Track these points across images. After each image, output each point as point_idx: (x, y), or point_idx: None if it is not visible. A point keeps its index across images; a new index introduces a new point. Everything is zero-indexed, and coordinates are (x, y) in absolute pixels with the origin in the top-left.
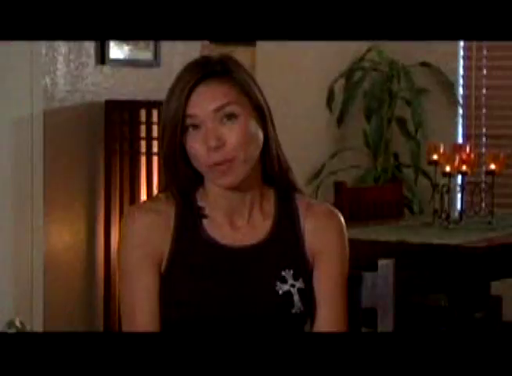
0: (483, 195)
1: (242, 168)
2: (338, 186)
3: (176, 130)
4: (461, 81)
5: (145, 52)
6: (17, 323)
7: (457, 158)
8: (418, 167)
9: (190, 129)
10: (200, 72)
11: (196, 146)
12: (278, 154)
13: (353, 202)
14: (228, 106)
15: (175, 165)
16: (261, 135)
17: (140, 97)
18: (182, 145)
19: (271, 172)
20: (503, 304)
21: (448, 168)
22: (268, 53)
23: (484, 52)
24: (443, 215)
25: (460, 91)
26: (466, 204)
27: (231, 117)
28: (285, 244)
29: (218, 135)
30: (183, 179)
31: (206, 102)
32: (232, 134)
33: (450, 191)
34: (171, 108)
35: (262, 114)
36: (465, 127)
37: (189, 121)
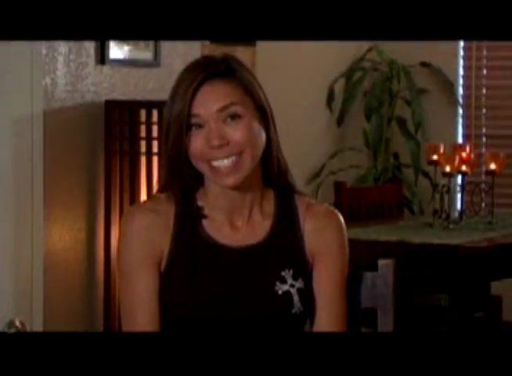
0: (483, 195)
1: (247, 164)
2: (338, 186)
3: (181, 129)
4: (461, 81)
5: (145, 52)
6: (17, 323)
7: (457, 158)
8: (418, 167)
9: (193, 129)
10: (203, 72)
11: (199, 146)
12: (278, 156)
13: (353, 202)
14: (232, 107)
15: (178, 165)
16: (263, 135)
17: (140, 97)
18: (185, 144)
19: (270, 174)
20: (503, 304)
21: (448, 168)
22: (268, 53)
23: (484, 52)
24: (443, 215)
25: (460, 91)
26: (466, 204)
27: (235, 117)
28: (285, 244)
29: (222, 135)
30: (186, 179)
31: (210, 102)
32: (235, 133)
33: (450, 191)
34: (175, 108)
35: (265, 115)
36: (465, 127)
37: (192, 121)
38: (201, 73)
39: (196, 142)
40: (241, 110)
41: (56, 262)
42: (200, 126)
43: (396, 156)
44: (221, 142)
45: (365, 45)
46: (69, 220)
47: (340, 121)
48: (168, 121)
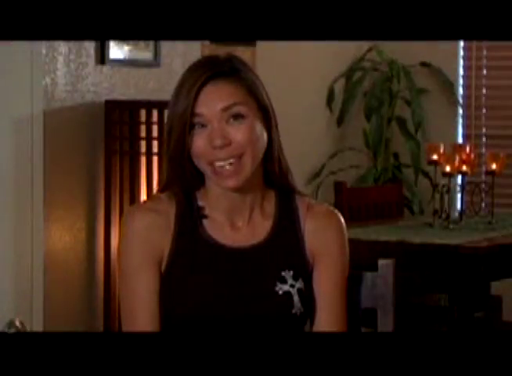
0: (483, 195)
1: (248, 167)
2: (338, 186)
3: (184, 128)
4: (461, 81)
5: (145, 52)
6: (17, 323)
7: (457, 158)
8: (418, 167)
9: (196, 128)
10: (207, 71)
11: (201, 145)
12: (279, 157)
13: (353, 202)
14: (235, 107)
15: (180, 164)
16: (265, 136)
17: (140, 97)
18: (188, 143)
19: (271, 175)
20: (503, 304)
21: (448, 168)
22: (268, 53)
23: (484, 52)
24: (443, 215)
25: (460, 91)
26: (466, 204)
27: (238, 117)
28: (285, 245)
29: (224, 135)
30: (187, 178)
31: (213, 101)
32: (238, 134)
33: (450, 191)
34: (178, 107)
35: (267, 116)
36: (465, 127)
37: (195, 120)
38: (205, 72)
39: (199, 142)
40: (244, 110)
41: (56, 262)
42: (203, 125)
43: (396, 156)
44: (223, 141)
45: (365, 45)
46: (69, 220)
47: (340, 121)
48: (171, 120)
